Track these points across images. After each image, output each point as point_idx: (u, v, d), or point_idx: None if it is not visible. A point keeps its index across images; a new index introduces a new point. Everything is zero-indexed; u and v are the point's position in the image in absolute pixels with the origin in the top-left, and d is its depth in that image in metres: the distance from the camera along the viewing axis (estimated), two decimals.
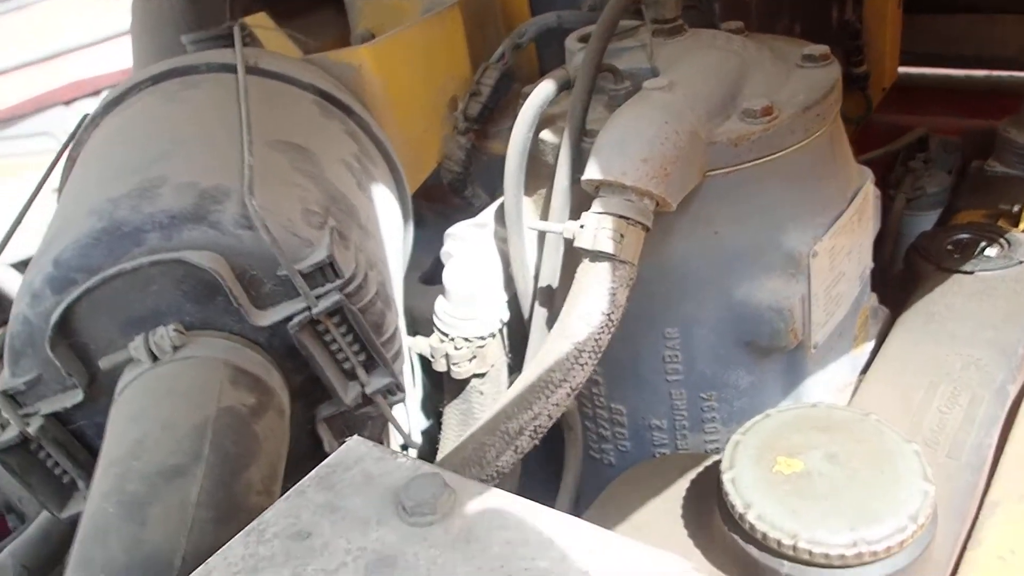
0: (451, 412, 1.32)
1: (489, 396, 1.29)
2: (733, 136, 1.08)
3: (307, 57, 1.25)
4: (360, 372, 0.88)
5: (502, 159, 1.44)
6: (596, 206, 1.02)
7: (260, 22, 1.60)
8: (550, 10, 1.49)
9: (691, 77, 1.11)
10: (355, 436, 0.60)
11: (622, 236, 1.00)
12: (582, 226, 1.01)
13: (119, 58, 3.92)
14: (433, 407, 1.42)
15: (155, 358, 0.79)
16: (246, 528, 0.55)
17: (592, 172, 1.03)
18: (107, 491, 0.71)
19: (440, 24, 1.37)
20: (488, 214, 1.29)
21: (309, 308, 0.83)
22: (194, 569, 0.66)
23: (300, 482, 0.56)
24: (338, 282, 0.84)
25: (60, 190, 1.13)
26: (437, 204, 1.56)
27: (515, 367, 1.32)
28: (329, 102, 1.13)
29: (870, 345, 1.37)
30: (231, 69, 1.06)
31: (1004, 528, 1.07)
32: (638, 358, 1.21)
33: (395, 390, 0.90)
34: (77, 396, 0.84)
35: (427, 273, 1.51)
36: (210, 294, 0.83)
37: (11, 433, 0.85)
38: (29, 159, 3.87)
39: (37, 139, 3.91)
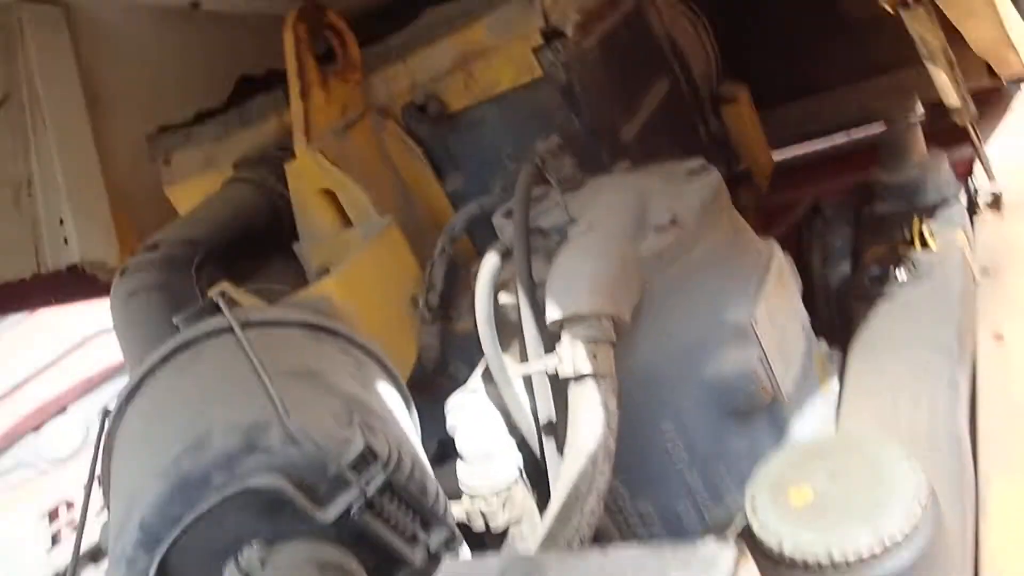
0: None
1: (530, 537, 1.40)
2: (656, 250, 1.28)
3: (283, 301, 1.44)
4: (420, 534, 1.01)
5: (470, 334, 1.62)
6: (565, 338, 1.19)
7: (227, 290, 1.79)
8: (469, 202, 1.73)
9: (604, 215, 1.32)
10: (446, 560, 0.73)
11: (595, 355, 1.17)
12: (559, 359, 1.18)
13: (75, 370, 4.09)
14: None
15: None
16: None
17: (553, 314, 1.21)
18: None
19: (384, 241, 1.58)
20: (475, 380, 1.45)
21: (363, 493, 0.97)
22: None
23: None
24: (379, 463, 0.99)
25: (104, 481, 1.25)
26: (426, 393, 1.72)
27: (543, 503, 1.45)
28: (317, 331, 1.30)
29: (836, 382, 1.53)
30: (226, 331, 1.23)
31: (1002, 494, 1.22)
32: (645, 457, 1.35)
33: (454, 539, 1.03)
34: None
35: (435, 455, 1.65)
36: (278, 509, 0.96)
37: None
38: (15, 493, 3.94)
39: (17, 472, 3.99)
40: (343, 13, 1.76)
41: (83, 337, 3.94)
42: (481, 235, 1.76)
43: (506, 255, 1.35)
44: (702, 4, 2.23)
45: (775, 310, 1.38)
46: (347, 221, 1.71)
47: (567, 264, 1.24)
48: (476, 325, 1.57)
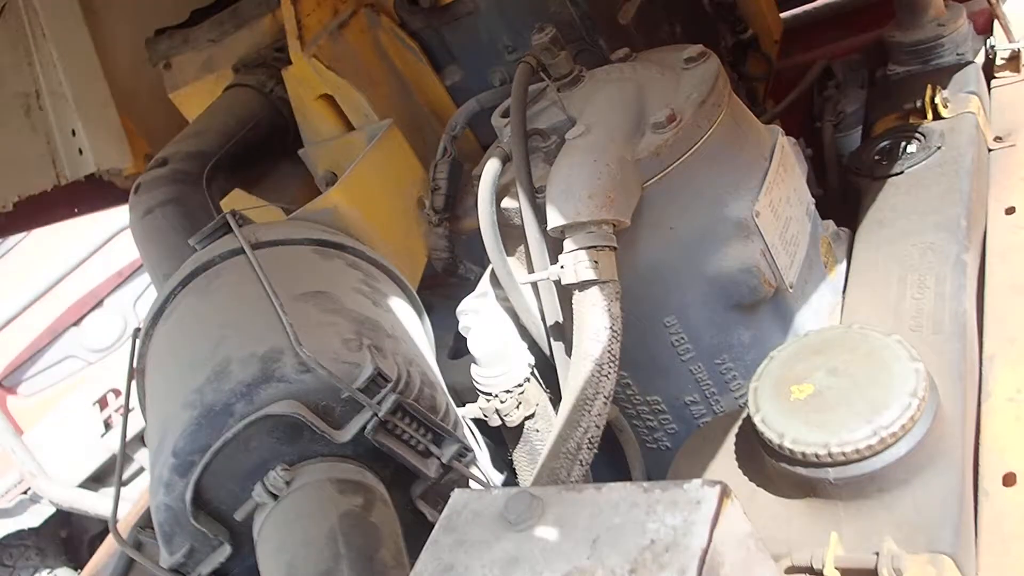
0: (519, 457, 1.50)
1: (544, 431, 1.47)
2: (653, 148, 1.27)
3: (292, 215, 1.46)
4: (433, 448, 1.06)
5: (477, 232, 1.64)
6: (567, 245, 1.21)
7: (238, 198, 1.82)
8: (468, 98, 1.70)
9: (601, 115, 1.31)
10: (456, 489, 0.78)
11: (596, 262, 1.19)
12: (562, 267, 1.21)
13: (105, 269, 4.19)
14: (503, 461, 1.60)
15: (275, 496, 0.98)
16: None
17: (554, 220, 1.22)
18: None
19: (386, 145, 1.58)
20: (484, 284, 1.48)
21: (376, 414, 1.02)
22: None
23: (432, 533, 0.74)
24: (389, 386, 1.03)
25: (141, 396, 1.32)
26: (439, 290, 1.75)
27: (556, 399, 1.50)
28: (325, 246, 1.33)
29: (843, 266, 1.55)
30: (239, 252, 1.26)
31: (1005, 374, 1.24)
32: (653, 351, 1.39)
33: (465, 452, 1.08)
34: (226, 551, 1.03)
35: (452, 349, 1.70)
36: (297, 432, 1.02)
37: None
38: (67, 382, 4.13)
39: (65, 363, 4.16)
40: None
41: (109, 233, 4.01)
42: (484, 130, 1.75)
43: (507, 159, 1.35)
44: None
45: (778, 200, 1.38)
46: (349, 124, 1.71)
47: (564, 170, 1.24)
48: None
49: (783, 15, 2.25)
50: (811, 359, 1.16)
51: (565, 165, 1.25)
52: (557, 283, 1.25)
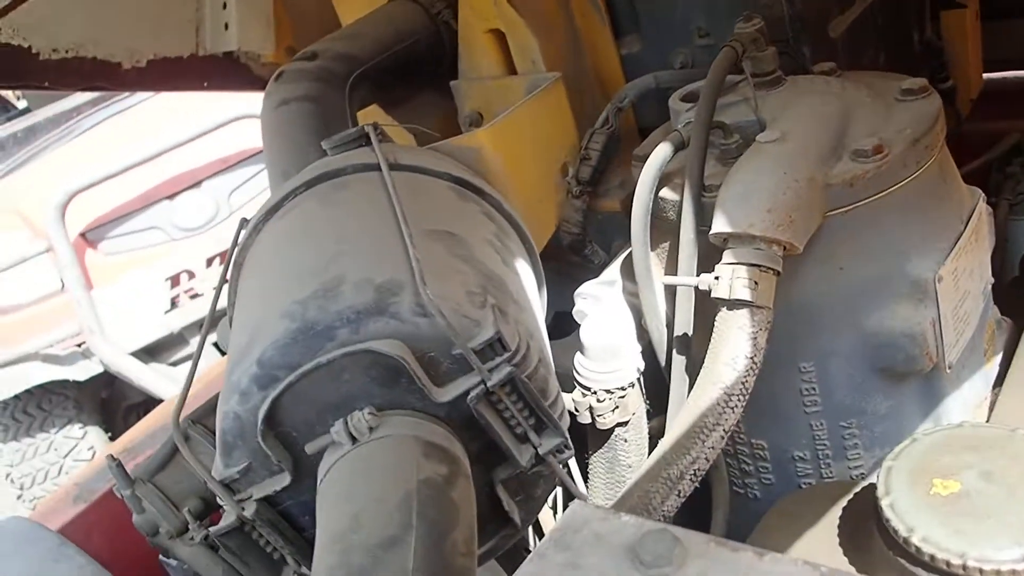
0: (597, 462, 1.38)
1: (633, 443, 1.35)
2: (848, 177, 1.13)
3: (433, 145, 1.35)
4: (532, 435, 0.95)
5: (615, 216, 1.52)
6: (728, 257, 1.08)
7: (375, 113, 1.72)
8: (641, 73, 1.58)
9: (800, 126, 1.17)
10: (576, 500, 0.67)
11: (756, 283, 1.06)
12: (717, 278, 1.08)
13: (210, 152, 4.18)
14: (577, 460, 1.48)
15: (354, 439, 0.88)
16: None
17: (720, 225, 1.09)
18: (333, 565, 0.79)
19: (547, 99, 1.46)
20: (613, 271, 1.36)
21: (483, 382, 0.91)
22: None
23: (538, 545, 0.63)
24: (506, 355, 0.92)
25: (232, 290, 1.24)
26: (552, 263, 1.64)
27: (653, 413, 1.38)
28: (463, 187, 1.22)
29: (999, 357, 1.39)
30: (373, 167, 1.16)
31: None
32: (776, 393, 1.25)
33: (564, 449, 0.97)
34: (285, 479, 0.94)
35: (550, 327, 1.59)
36: (395, 377, 0.91)
37: (230, 518, 0.95)
38: (146, 251, 4.13)
39: (149, 233, 4.17)
40: None
41: (225, 118, 3.97)
42: (649, 111, 1.63)
43: (681, 147, 1.22)
44: None
45: (962, 270, 1.23)
46: (511, 67, 1.59)
47: (748, 174, 1.11)
48: (625, 210, 1.47)
49: (986, 75, 2.07)
50: (963, 454, 1.02)
51: (750, 169, 1.11)
52: (703, 293, 1.13)
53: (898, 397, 1.24)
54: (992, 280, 1.36)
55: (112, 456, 1.07)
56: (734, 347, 1.07)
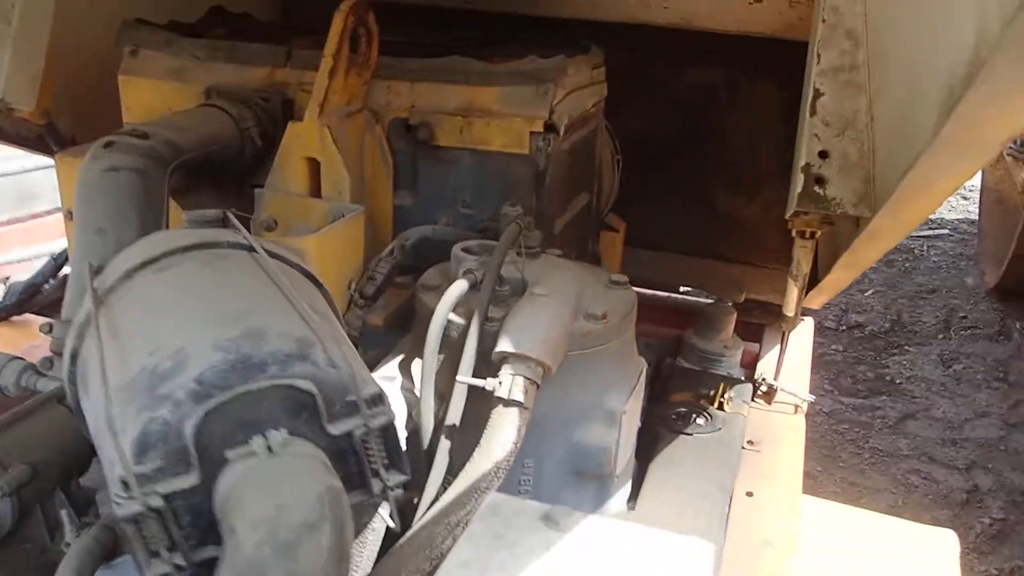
0: None
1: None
2: (582, 331, 1.63)
3: (270, 241, 1.61)
4: (382, 472, 1.25)
5: (377, 328, 1.87)
6: (507, 369, 1.50)
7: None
8: (408, 223, 2.00)
9: (558, 288, 1.66)
10: (496, 493, 0.99)
11: (527, 391, 1.48)
12: (500, 382, 1.48)
13: None
14: None
15: (271, 451, 1.12)
16: None
17: (504, 346, 1.51)
18: (261, 540, 1.01)
19: (352, 224, 1.80)
20: (391, 369, 1.70)
21: (366, 424, 1.20)
22: None
23: (467, 529, 0.93)
24: (384, 407, 1.23)
25: (95, 324, 1.34)
26: None
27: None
28: (309, 279, 1.50)
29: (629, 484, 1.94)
30: (243, 247, 1.41)
31: None
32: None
33: (406, 487, 1.28)
34: (194, 479, 1.12)
35: None
36: (299, 410, 1.16)
37: (131, 508, 1.10)
38: None
39: None
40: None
41: None
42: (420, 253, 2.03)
43: (474, 285, 1.63)
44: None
45: (633, 410, 1.77)
46: (316, 191, 1.91)
47: (529, 313, 1.56)
48: (385, 326, 1.84)
49: None
50: None
51: (531, 308, 1.56)
52: (475, 393, 1.52)
53: (583, 493, 1.72)
54: (640, 425, 1.93)
55: None
56: (506, 435, 1.46)
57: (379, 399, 1.23)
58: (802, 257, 1.84)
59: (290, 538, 1.01)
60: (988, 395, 4.13)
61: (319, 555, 1.02)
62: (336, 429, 1.19)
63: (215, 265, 1.37)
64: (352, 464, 1.23)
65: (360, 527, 1.31)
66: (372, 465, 1.25)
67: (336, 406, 1.21)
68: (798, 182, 1.53)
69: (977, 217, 5.69)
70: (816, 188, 1.52)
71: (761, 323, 2.83)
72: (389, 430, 1.24)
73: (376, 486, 1.25)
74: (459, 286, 1.62)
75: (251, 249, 1.41)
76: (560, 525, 0.96)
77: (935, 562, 1.81)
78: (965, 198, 6.46)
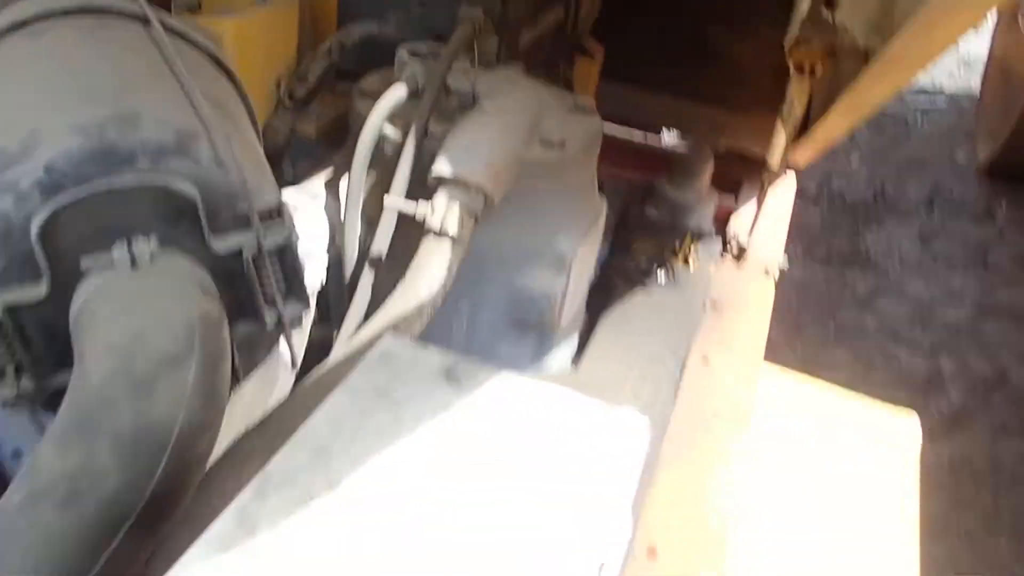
0: None
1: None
2: (536, 159, 1.41)
3: (182, 20, 1.35)
4: (279, 301, 1.06)
5: (308, 139, 1.64)
6: (442, 195, 1.29)
7: None
8: (353, 18, 1.72)
9: (512, 106, 1.43)
10: (388, 333, 0.81)
11: (462, 222, 1.28)
12: (432, 210, 1.28)
13: None
14: None
15: (134, 263, 0.92)
16: None
17: (442, 168, 1.29)
18: (116, 369, 0.83)
19: (283, 12, 1.54)
20: (316, 186, 1.49)
21: (259, 242, 1.00)
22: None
23: (349, 376, 0.76)
24: (282, 222, 1.03)
25: None
26: None
27: (318, 322, 1.52)
28: (217, 66, 1.26)
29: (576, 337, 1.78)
30: (139, 17, 1.16)
31: (669, 480, 1.51)
32: (433, 323, 1.48)
33: (301, 320, 1.09)
34: (41, 291, 0.92)
35: None
36: (178, 217, 0.96)
37: None
38: None
39: None
40: None
41: None
42: (349, 55, 1.77)
43: (415, 93, 1.40)
44: None
45: (585, 257, 1.58)
46: None
47: (475, 131, 1.33)
48: (318, 137, 1.61)
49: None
50: None
51: (478, 125, 1.34)
52: (405, 220, 1.31)
53: (520, 345, 1.55)
54: (594, 274, 1.75)
55: None
56: (433, 271, 1.27)
57: (277, 212, 1.02)
58: (796, 96, 1.62)
59: (147, 371, 0.83)
60: (963, 278, 3.99)
61: (180, 394, 0.84)
62: (221, 244, 0.99)
63: (97, 35, 1.12)
64: (241, 288, 1.04)
65: (251, 364, 1.13)
66: (265, 291, 1.06)
67: (223, 216, 1.00)
68: (803, 4, 1.29)
69: (978, 90, 5.40)
70: (824, 12, 1.28)
71: (740, 178, 2.62)
72: (288, 251, 1.04)
73: (270, 317, 1.07)
74: (397, 91, 1.39)
75: (146, 21, 1.16)
76: (463, 383, 0.79)
77: (896, 443, 1.69)
78: (968, 64, 6.12)
